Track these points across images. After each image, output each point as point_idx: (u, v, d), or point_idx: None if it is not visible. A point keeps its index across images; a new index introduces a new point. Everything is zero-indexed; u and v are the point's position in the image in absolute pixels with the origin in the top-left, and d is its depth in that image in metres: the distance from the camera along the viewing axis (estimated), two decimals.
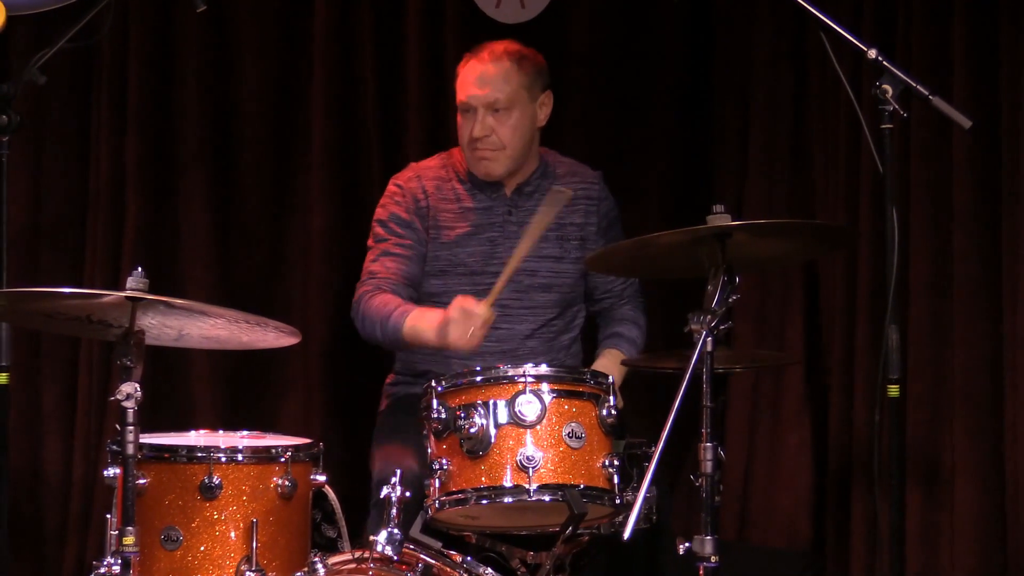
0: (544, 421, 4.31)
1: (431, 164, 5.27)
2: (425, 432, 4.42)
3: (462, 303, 4.79)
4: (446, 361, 4.97)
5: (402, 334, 4.94)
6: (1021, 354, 5.19)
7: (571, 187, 5.22)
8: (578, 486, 4.28)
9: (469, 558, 4.47)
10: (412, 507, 4.38)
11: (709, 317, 4.04)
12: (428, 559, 4.38)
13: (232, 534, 4.25)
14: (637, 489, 4.12)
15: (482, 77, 5.08)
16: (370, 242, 5.20)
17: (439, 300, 5.09)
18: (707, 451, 4.05)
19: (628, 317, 5.26)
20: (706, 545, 4.03)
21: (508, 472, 4.29)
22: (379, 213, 5.21)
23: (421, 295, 5.14)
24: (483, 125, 5.07)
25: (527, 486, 4.27)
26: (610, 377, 4.44)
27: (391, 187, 5.22)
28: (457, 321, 4.76)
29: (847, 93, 4.68)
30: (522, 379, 4.35)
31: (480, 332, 4.75)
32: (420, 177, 5.21)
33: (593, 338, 5.29)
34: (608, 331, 5.25)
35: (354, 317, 5.11)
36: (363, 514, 4.77)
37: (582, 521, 4.28)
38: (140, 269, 4.04)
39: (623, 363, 5.04)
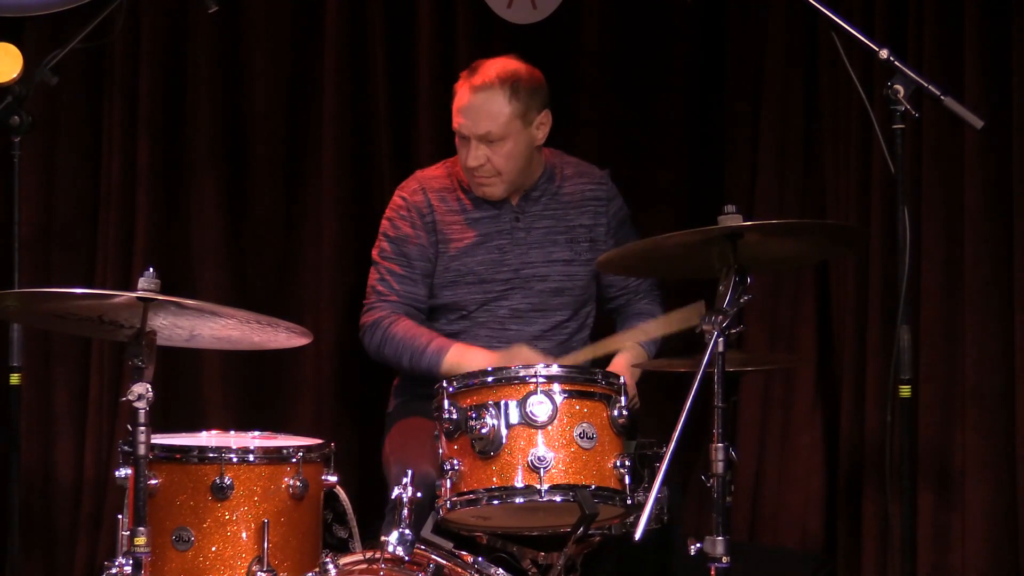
0: (555, 421, 4.31)
1: (435, 173, 5.25)
2: (436, 432, 4.42)
3: (529, 357, 4.81)
4: None
5: (440, 369, 4.94)
6: None
7: (579, 187, 5.22)
8: (589, 487, 4.29)
9: (480, 558, 4.48)
10: (423, 507, 4.38)
11: (721, 317, 4.03)
12: (439, 559, 4.38)
13: (243, 534, 4.26)
14: (648, 489, 4.12)
15: (474, 108, 5.03)
16: (375, 255, 5.20)
17: (450, 310, 5.11)
18: (718, 451, 4.05)
19: (645, 311, 5.25)
20: (717, 545, 4.03)
21: (519, 472, 4.29)
22: (385, 226, 5.20)
23: (431, 307, 5.15)
24: (477, 155, 5.05)
25: (538, 487, 4.27)
26: (621, 378, 4.45)
27: (396, 199, 5.21)
28: None
29: (859, 93, 4.67)
30: (533, 379, 4.35)
31: None
32: (425, 190, 5.19)
33: (603, 336, 5.28)
34: (626, 326, 5.24)
35: (368, 337, 5.11)
36: (374, 514, 4.77)
37: (593, 522, 4.28)
38: (152, 270, 4.05)
39: (635, 366, 5.02)
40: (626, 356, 5.09)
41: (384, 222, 5.22)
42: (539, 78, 5.11)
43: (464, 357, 4.96)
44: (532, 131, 5.09)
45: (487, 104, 5.02)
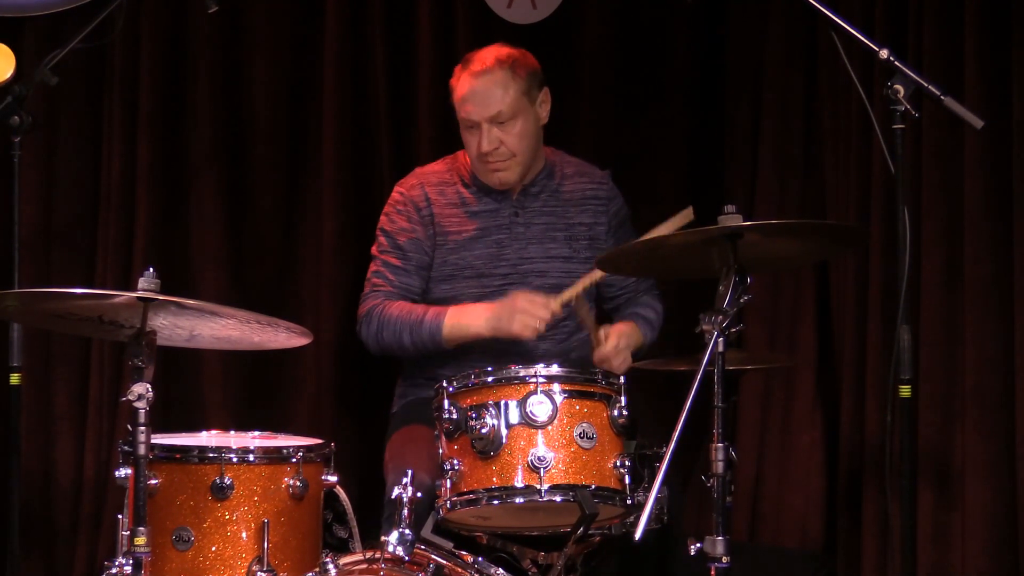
0: (555, 421, 4.32)
1: (436, 168, 5.26)
2: (437, 433, 4.42)
3: (529, 295, 4.86)
4: (456, 363, 4.96)
5: (442, 333, 4.95)
6: None
7: (580, 186, 5.22)
8: (589, 487, 4.29)
9: (480, 558, 4.47)
10: (423, 507, 4.38)
11: (721, 317, 4.03)
12: (439, 559, 4.38)
13: (243, 534, 4.26)
14: (648, 489, 4.12)
15: (479, 92, 5.04)
16: (374, 250, 5.20)
17: (447, 304, 5.10)
18: (718, 451, 4.05)
19: (644, 303, 5.26)
20: (717, 545, 4.02)
21: (519, 472, 4.29)
22: (383, 222, 5.21)
23: (428, 301, 5.14)
24: (490, 139, 5.05)
25: (538, 486, 4.27)
26: (622, 378, 4.45)
27: (395, 194, 5.23)
28: (525, 312, 4.80)
29: (859, 93, 4.67)
30: (533, 379, 4.35)
31: (544, 327, 4.79)
32: (423, 184, 5.20)
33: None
34: (624, 312, 5.24)
35: (364, 328, 5.10)
36: (374, 514, 4.77)
37: (593, 522, 4.28)
38: (152, 270, 4.05)
39: (635, 361, 5.03)
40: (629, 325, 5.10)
41: (382, 218, 5.23)
42: (532, 58, 5.14)
43: (463, 315, 4.96)
44: (537, 109, 5.11)
45: (492, 86, 5.04)
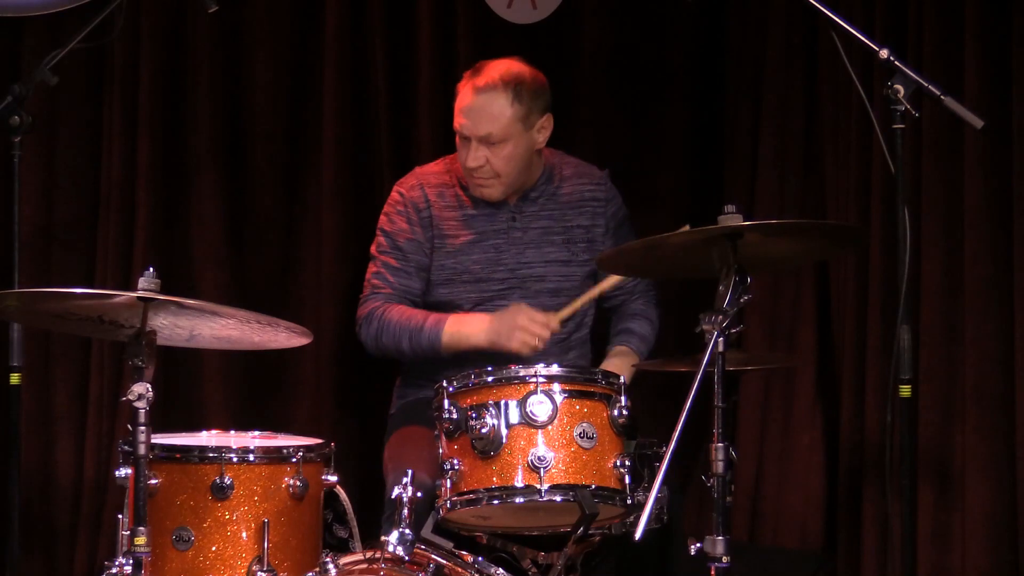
0: (555, 421, 4.31)
1: (434, 169, 5.25)
2: (437, 432, 4.42)
3: (530, 312, 4.85)
4: (456, 363, 4.96)
5: (441, 341, 4.95)
6: None
7: (578, 188, 5.22)
8: (589, 486, 4.29)
9: (480, 558, 4.47)
10: (423, 507, 4.38)
11: (721, 317, 4.03)
12: (439, 559, 4.38)
13: (244, 534, 4.26)
14: (648, 489, 4.12)
15: (476, 109, 5.02)
16: (373, 250, 5.20)
17: (445, 308, 5.11)
18: (718, 451, 4.05)
19: (639, 312, 5.25)
20: (717, 545, 4.02)
21: (519, 472, 4.29)
22: (383, 222, 5.21)
23: (427, 304, 5.14)
24: (476, 156, 5.04)
25: (538, 486, 4.27)
26: (621, 377, 4.45)
27: (394, 194, 5.22)
28: (525, 329, 4.81)
29: (859, 93, 4.67)
30: (533, 379, 4.35)
31: (543, 345, 4.81)
32: (423, 185, 5.19)
33: (602, 335, 5.28)
34: (619, 327, 5.24)
35: (364, 330, 5.10)
36: (374, 514, 4.77)
37: (593, 521, 4.28)
38: (152, 269, 4.05)
39: (634, 366, 5.03)
40: (622, 354, 5.09)
41: (382, 217, 5.22)
42: (542, 81, 5.10)
43: (463, 324, 4.97)
44: (533, 134, 5.08)
45: (489, 106, 5.01)
